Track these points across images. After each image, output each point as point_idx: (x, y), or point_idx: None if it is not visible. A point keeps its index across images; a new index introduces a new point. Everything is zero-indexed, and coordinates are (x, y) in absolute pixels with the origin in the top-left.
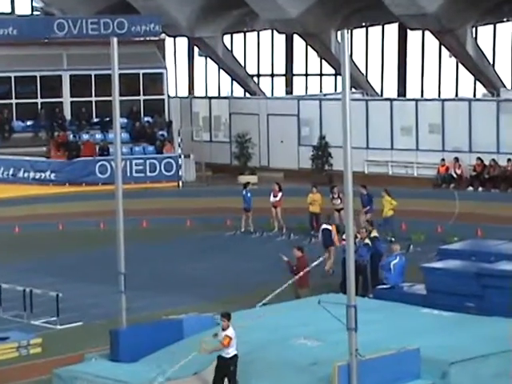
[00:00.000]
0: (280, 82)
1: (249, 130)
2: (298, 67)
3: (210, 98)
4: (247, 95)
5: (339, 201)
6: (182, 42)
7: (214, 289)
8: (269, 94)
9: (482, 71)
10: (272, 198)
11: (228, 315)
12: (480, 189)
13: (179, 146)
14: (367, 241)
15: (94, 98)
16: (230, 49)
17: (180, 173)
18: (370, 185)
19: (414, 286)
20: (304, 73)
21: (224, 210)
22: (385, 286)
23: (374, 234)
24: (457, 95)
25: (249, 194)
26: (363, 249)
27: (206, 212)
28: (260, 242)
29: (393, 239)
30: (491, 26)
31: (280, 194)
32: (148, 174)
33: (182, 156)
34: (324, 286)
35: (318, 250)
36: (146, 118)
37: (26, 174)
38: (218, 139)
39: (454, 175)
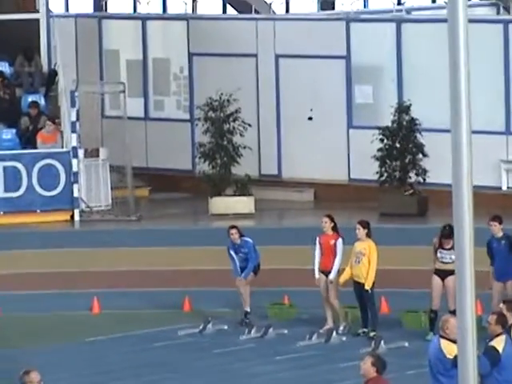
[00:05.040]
0: None
1: (234, 91)
2: None
3: (144, 19)
4: (230, 13)
5: (452, 254)
6: None
7: None
8: (281, 11)
9: None
10: (319, 253)
11: None
12: None
13: (74, 130)
14: (497, 342)
15: None
16: None
17: (76, 192)
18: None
19: None
20: None
21: (177, 278)
22: None
23: None
24: None
25: (249, 241)
26: (483, 358)
27: (137, 282)
28: (260, 351)
29: None
30: None
31: (341, 242)
32: (3, 194)
33: (82, 152)
34: None
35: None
36: None
37: None
38: (165, 115)
39: None
